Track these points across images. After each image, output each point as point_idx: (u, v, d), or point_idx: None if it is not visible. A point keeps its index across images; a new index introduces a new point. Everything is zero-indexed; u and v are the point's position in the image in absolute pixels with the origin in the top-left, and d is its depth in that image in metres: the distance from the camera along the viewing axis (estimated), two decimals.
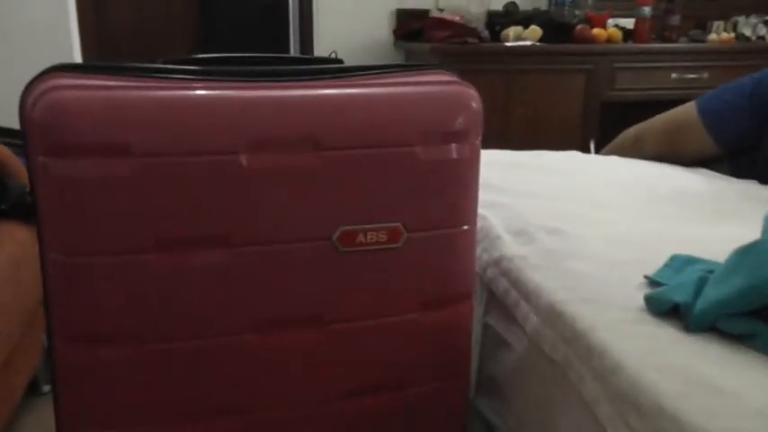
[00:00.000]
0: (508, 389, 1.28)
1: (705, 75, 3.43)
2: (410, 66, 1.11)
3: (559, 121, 3.36)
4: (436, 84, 1.09)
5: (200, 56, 1.09)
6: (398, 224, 1.06)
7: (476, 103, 1.09)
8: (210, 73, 1.01)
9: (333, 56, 1.12)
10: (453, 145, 1.07)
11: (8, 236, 1.97)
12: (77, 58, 3.05)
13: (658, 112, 2.24)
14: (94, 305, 1.00)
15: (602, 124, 3.35)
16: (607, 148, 2.41)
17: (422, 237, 1.09)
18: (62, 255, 0.99)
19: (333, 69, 1.06)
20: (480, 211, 1.24)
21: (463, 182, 1.11)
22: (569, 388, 1.04)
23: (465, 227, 1.13)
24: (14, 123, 2.44)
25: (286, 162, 1.00)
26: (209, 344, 1.04)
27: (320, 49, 3.56)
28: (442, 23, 3.32)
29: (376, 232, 1.05)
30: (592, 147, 3.19)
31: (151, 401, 1.05)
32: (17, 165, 2.16)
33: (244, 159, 0.98)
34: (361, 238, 1.05)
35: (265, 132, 0.99)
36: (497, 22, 3.48)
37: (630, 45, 3.50)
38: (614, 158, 2.18)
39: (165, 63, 1.04)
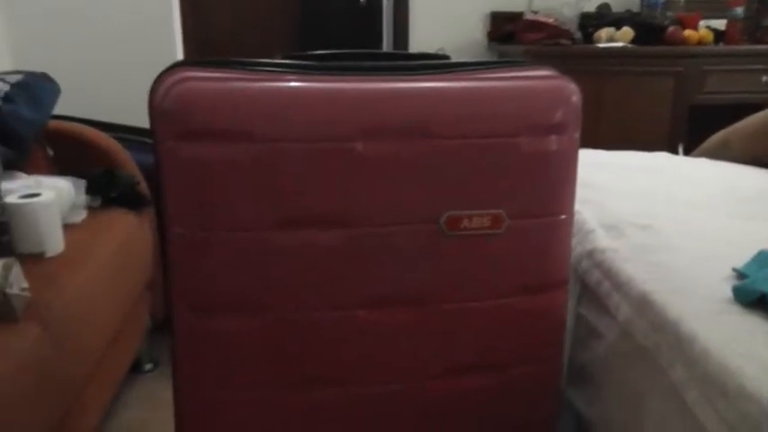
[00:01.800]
0: (598, 377, 1.32)
1: None
2: (515, 61, 1.16)
3: (648, 124, 3.34)
4: (539, 78, 1.14)
5: (317, 52, 1.16)
6: (501, 211, 1.12)
7: (576, 98, 1.14)
8: (327, 67, 1.09)
9: (440, 52, 1.18)
10: (554, 137, 1.12)
11: (119, 222, 2.09)
12: (180, 57, 3.18)
13: (747, 116, 2.23)
14: (215, 277, 1.09)
15: (690, 129, 3.32)
16: (695, 152, 2.41)
17: (522, 224, 1.14)
18: (186, 230, 1.08)
19: (442, 64, 1.12)
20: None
21: (562, 173, 1.16)
22: (658, 374, 1.09)
23: (563, 216, 1.18)
24: (124, 119, 2.58)
25: (398, 149, 1.07)
26: (320, 318, 1.12)
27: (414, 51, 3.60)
28: (536, 25, 3.34)
29: (480, 218, 1.11)
30: (680, 151, 3.17)
31: (261, 369, 1.14)
32: (125, 157, 2.29)
33: (359, 146, 1.05)
34: (465, 222, 1.11)
35: (380, 121, 1.06)
36: (590, 23, 3.48)
37: (721, 47, 3.46)
38: (702, 160, 2.19)
39: (283, 59, 1.12)
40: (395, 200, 1.09)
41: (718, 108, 3.14)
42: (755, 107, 2.23)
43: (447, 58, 1.18)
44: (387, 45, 3.78)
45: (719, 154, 2.22)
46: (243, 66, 1.08)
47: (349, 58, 1.14)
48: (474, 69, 1.13)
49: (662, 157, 2.19)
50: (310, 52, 1.15)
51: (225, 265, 1.08)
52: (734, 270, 1.19)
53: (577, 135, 1.16)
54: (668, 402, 1.06)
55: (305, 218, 1.07)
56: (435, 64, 1.12)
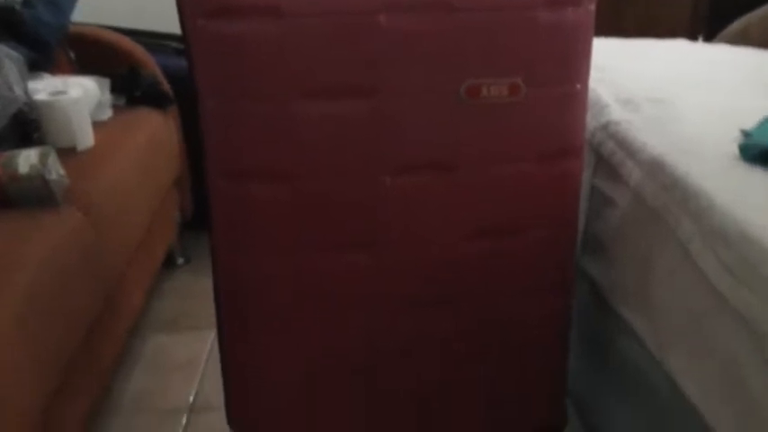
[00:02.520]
0: (611, 244, 1.38)
1: None
2: None
3: (668, 14, 3.30)
4: None
5: None
6: (518, 80, 1.17)
7: None
8: None
9: None
10: (570, 9, 1.16)
11: (144, 120, 2.15)
12: None
13: None
14: (244, 146, 1.16)
15: (712, 21, 3.27)
16: (715, 39, 2.42)
17: (539, 92, 1.19)
18: (217, 101, 1.14)
19: None
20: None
21: (578, 43, 1.20)
22: (667, 233, 1.14)
23: (578, 85, 1.22)
24: (140, 24, 2.59)
25: (420, 22, 1.11)
26: (347, 185, 1.18)
27: None
28: None
29: (498, 86, 1.16)
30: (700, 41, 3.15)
31: (291, 233, 1.21)
32: (147, 59, 2.35)
33: (382, 19, 1.10)
34: (484, 91, 1.16)
35: None
36: None
37: None
38: (720, 45, 2.20)
39: None
40: (417, 70, 1.14)
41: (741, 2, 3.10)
42: None
43: None
44: None
45: (739, 41, 2.23)
46: None
47: None
48: None
49: (680, 43, 2.20)
50: None
51: (253, 134, 1.14)
52: (741, 131, 1.24)
53: (592, 7, 1.19)
54: (674, 258, 1.12)
55: (330, 88, 1.12)
56: None
